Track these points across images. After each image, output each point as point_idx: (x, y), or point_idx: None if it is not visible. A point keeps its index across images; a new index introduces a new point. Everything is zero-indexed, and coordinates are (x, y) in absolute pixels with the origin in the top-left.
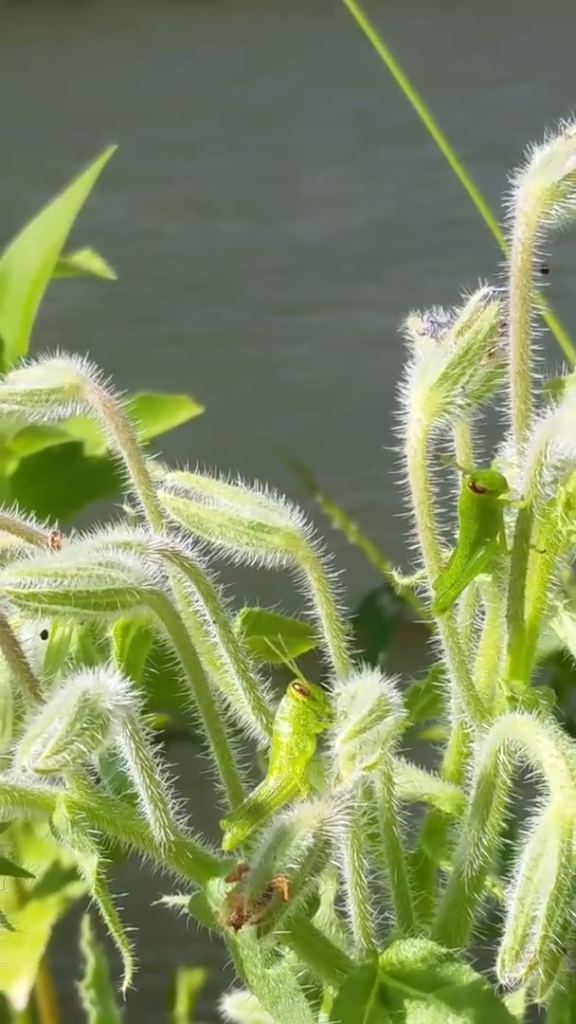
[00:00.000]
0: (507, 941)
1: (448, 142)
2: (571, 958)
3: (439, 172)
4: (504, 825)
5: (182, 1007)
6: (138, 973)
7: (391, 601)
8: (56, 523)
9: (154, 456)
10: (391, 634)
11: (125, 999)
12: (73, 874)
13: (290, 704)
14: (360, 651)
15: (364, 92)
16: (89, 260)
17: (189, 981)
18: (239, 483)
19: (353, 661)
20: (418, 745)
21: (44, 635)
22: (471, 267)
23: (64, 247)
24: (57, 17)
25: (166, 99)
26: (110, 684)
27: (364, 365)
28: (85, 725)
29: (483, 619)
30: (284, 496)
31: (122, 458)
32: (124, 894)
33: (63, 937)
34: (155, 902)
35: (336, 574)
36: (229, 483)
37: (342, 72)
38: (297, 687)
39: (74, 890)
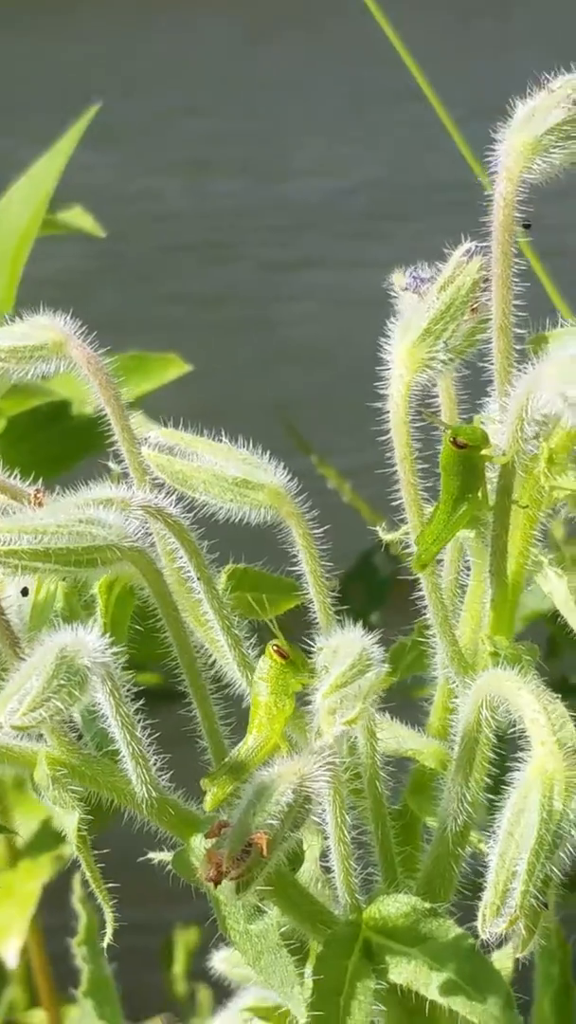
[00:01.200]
0: (488, 896)
1: (448, 104)
2: (558, 912)
3: (439, 132)
4: (489, 781)
5: (179, 966)
6: (134, 931)
7: (385, 560)
8: (45, 481)
9: (150, 414)
10: (385, 593)
11: (121, 958)
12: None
13: (267, 664)
14: (353, 609)
15: (365, 54)
16: (79, 218)
17: (186, 939)
18: (224, 439)
19: (338, 617)
20: (406, 702)
21: (24, 592)
22: (471, 226)
23: (61, 206)
24: None
25: (167, 63)
26: (88, 641)
27: (363, 323)
28: (62, 682)
29: (469, 575)
30: (281, 455)
31: (107, 415)
32: (119, 850)
33: (56, 895)
34: (141, 858)
35: (321, 530)
36: (214, 440)
37: (342, 37)
38: (275, 648)
39: (68, 850)
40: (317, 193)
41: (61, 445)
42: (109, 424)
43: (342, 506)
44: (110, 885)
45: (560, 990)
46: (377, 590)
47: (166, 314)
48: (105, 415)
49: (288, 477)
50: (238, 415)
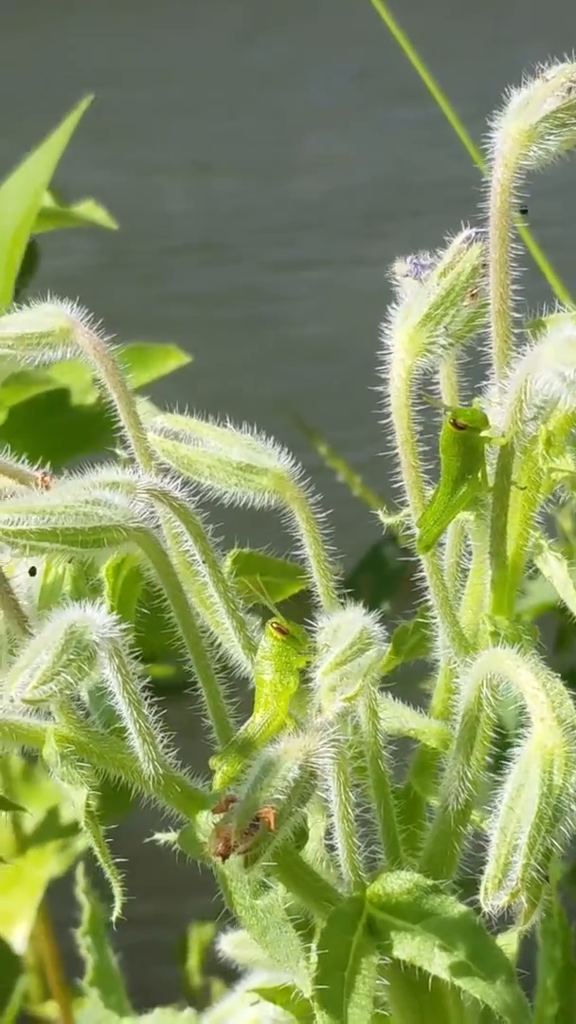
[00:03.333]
0: (490, 869)
1: (452, 101)
2: (564, 892)
3: (443, 129)
4: (490, 760)
5: (194, 960)
6: (149, 924)
7: (396, 552)
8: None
9: (158, 408)
10: (396, 584)
11: (136, 951)
12: (76, 827)
13: (269, 643)
14: (364, 600)
15: (368, 50)
16: (91, 211)
17: (200, 935)
18: (228, 426)
19: (341, 601)
20: (412, 691)
21: (32, 572)
22: (475, 224)
23: (66, 202)
24: None
25: (170, 60)
26: (96, 617)
27: (368, 319)
28: (72, 656)
29: (470, 558)
30: (291, 450)
31: (113, 401)
32: (135, 846)
33: (68, 889)
34: (148, 839)
35: (325, 515)
36: (219, 426)
37: (346, 30)
38: (275, 625)
39: (76, 841)
40: (319, 192)
41: (62, 437)
42: (112, 416)
43: (352, 499)
44: (127, 877)
45: (563, 972)
46: (387, 582)
47: (171, 313)
48: (109, 405)
49: (292, 463)
50: (246, 411)
